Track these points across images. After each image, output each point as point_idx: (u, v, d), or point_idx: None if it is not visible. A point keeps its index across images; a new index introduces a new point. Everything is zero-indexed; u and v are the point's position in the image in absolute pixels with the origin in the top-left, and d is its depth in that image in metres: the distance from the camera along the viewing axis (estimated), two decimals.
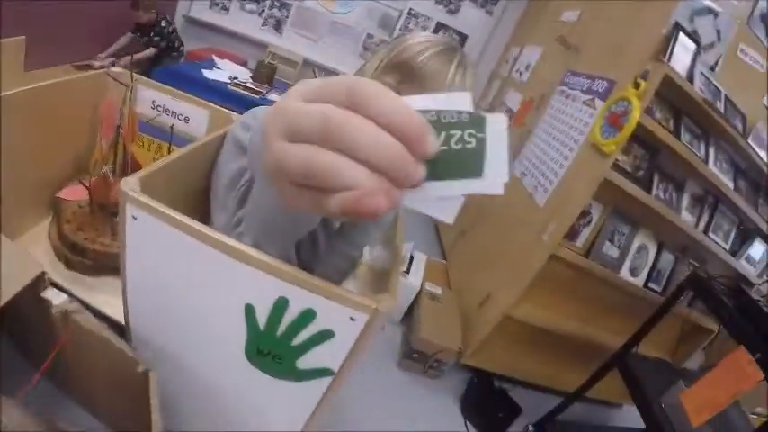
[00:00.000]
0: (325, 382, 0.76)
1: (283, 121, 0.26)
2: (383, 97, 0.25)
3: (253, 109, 0.93)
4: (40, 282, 1.03)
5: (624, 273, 2.06)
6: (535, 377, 2.31)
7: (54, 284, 1.04)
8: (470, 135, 0.28)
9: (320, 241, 1.10)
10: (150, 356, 0.90)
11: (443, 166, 0.28)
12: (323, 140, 0.25)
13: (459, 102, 0.28)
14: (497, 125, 0.28)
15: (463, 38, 4.24)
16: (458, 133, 0.28)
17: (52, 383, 1.09)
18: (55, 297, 1.01)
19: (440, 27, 4.23)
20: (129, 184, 0.76)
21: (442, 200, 0.30)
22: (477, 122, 0.28)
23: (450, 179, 0.29)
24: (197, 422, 0.99)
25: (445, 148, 0.28)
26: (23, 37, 1.63)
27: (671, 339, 2.14)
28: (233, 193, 0.96)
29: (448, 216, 0.31)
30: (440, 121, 0.28)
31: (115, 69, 1.37)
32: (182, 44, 3.66)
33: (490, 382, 2.20)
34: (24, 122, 1.18)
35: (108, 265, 1.20)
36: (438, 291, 2.46)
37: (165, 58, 3.59)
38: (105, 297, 1.07)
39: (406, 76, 0.77)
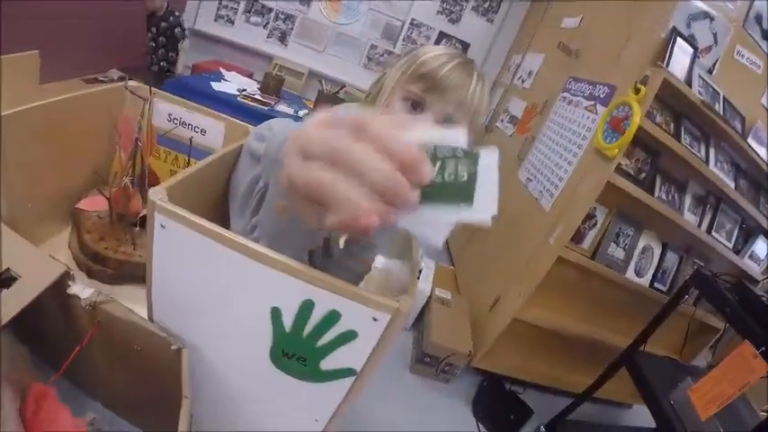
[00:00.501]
0: (347, 382, 0.79)
1: (299, 144, 0.31)
2: (385, 130, 0.29)
3: (267, 121, 0.96)
4: (64, 280, 1.06)
5: (630, 273, 2.09)
6: (545, 379, 2.34)
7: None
8: (463, 168, 0.31)
9: (334, 252, 1.13)
10: None
11: (437, 194, 0.31)
12: (330, 162, 0.29)
13: (455, 138, 0.32)
14: (489, 160, 0.32)
15: (465, 46, 4.28)
16: (451, 166, 0.31)
17: (71, 383, 1.12)
18: (82, 291, 1.04)
19: (442, 36, 4.27)
20: (158, 194, 0.79)
21: (434, 224, 0.33)
22: (470, 157, 0.32)
23: (443, 206, 0.32)
24: (219, 423, 1.02)
25: (439, 178, 0.31)
26: (37, 51, 1.67)
27: (678, 338, 2.16)
28: (249, 200, 1.00)
29: (437, 239, 0.35)
30: (435, 155, 0.31)
31: (132, 83, 1.42)
32: (184, 37, 3.69)
33: (501, 384, 2.22)
34: (44, 135, 1.22)
35: (129, 273, 1.23)
36: (447, 296, 2.49)
37: (167, 55, 3.62)
38: (127, 305, 1.10)
39: (430, 86, 0.81)
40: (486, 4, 4.21)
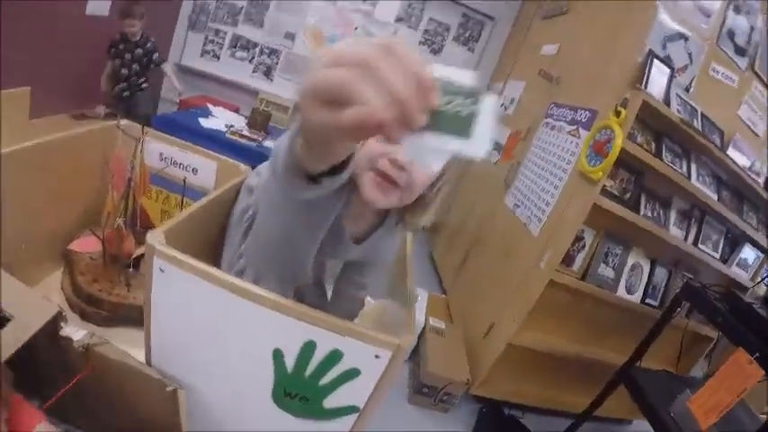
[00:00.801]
0: (350, 419, 0.79)
1: (329, 55, 0.33)
2: (409, 53, 0.32)
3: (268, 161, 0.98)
4: (57, 321, 1.05)
5: (621, 291, 2.12)
6: (544, 402, 2.33)
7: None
8: (467, 104, 0.35)
9: (325, 289, 1.14)
10: None
11: (440, 123, 0.35)
12: (358, 69, 0.32)
13: (465, 76, 0.35)
14: (489, 103, 0.35)
15: None
16: (457, 100, 0.35)
17: (60, 420, 1.09)
18: (74, 333, 1.02)
19: None
20: (156, 238, 0.80)
21: (434, 151, 0.37)
22: (473, 95, 0.35)
23: (444, 135, 0.35)
24: None
25: (444, 108, 0.35)
26: (28, 87, 1.68)
27: (673, 351, 2.18)
28: (238, 228, 1.01)
29: (435, 165, 0.43)
30: (445, 87, 0.35)
31: (124, 122, 1.42)
32: (162, 62, 3.59)
33: (500, 410, 2.21)
34: (37, 174, 1.22)
35: (124, 315, 1.22)
36: (441, 325, 2.48)
37: (136, 83, 3.49)
38: (123, 348, 1.09)
39: None
40: (467, 34, 4.31)
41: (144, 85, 3.51)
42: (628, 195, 2.02)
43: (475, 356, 2.29)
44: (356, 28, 4.19)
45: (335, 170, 0.54)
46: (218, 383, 0.88)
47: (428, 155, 0.38)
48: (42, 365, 1.13)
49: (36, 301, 1.05)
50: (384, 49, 0.32)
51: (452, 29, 4.31)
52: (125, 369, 0.99)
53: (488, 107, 0.35)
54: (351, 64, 0.32)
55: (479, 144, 0.35)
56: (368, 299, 1.23)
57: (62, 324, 1.03)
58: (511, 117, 3.16)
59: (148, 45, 3.43)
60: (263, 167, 0.99)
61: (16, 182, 1.14)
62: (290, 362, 0.74)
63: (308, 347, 0.71)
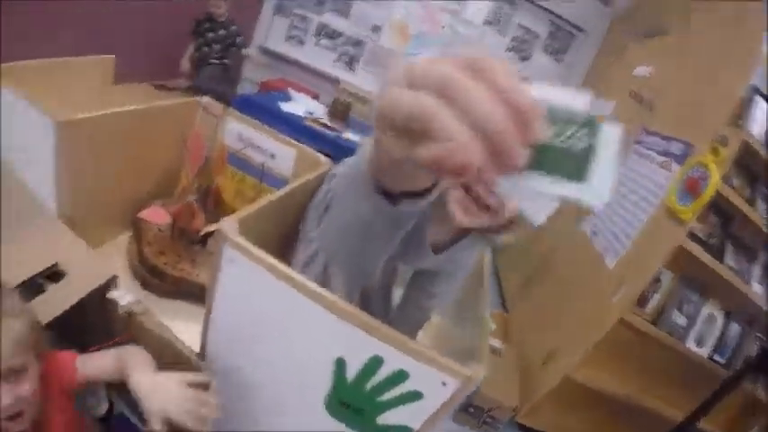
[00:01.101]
0: None
1: (408, 72, 0.27)
2: (503, 74, 0.25)
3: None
4: (110, 285, 1.07)
5: (690, 343, 1.97)
6: None
7: None
8: (581, 137, 0.27)
9: (392, 295, 1.09)
10: (220, 393, 0.91)
11: (546, 160, 0.27)
12: (439, 94, 0.25)
13: (578, 100, 0.28)
14: (611, 134, 0.27)
15: None
16: (569, 131, 0.27)
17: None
18: (121, 298, 1.04)
19: None
20: (230, 226, 0.78)
21: (536, 198, 0.29)
22: (590, 125, 0.27)
23: (551, 177, 0.27)
24: None
25: (553, 142, 0.27)
26: (113, 56, 1.74)
27: (730, 411, 2.02)
28: (316, 212, 0.99)
29: (538, 216, 0.30)
30: (552, 114, 0.27)
31: (206, 99, 1.44)
32: (245, 45, 3.63)
33: None
34: (115, 142, 1.25)
35: (185, 291, 1.23)
36: (498, 344, 2.40)
37: (217, 61, 3.55)
38: (178, 323, 1.10)
39: None
40: (556, 44, 4.16)
41: (225, 61, 3.56)
42: (713, 241, 1.87)
43: (527, 383, 2.20)
44: (443, 27, 4.12)
45: (416, 193, 0.47)
46: (273, 380, 0.85)
47: (529, 202, 0.30)
48: (86, 323, 1.16)
49: (93, 262, 1.08)
50: (471, 67, 0.26)
51: (541, 37, 4.18)
52: (162, 341, 1.00)
53: (610, 140, 0.27)
54: (430, 86, 0.26)
55: (598, 189, 0.27)
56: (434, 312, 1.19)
57: (112, 287, 1.06)
58: None
59: (233, 27, 3.46)
60: (348, 159, 0.96)
61: (95, 147, 1.18)
62: (351, 372, 0.71)
63: (375, 362, 0.67)
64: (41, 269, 1.00)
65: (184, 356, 0.94)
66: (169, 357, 0.92)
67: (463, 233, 0.88)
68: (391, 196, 0.48)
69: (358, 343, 0.67)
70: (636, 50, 3.07)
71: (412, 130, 0.26)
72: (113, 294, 1.05)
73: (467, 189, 0.67)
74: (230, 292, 0.81)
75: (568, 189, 0.27)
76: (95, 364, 0.84)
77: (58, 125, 1.07)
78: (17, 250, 1.03)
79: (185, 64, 3.47)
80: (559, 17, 4.06)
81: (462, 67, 0.26)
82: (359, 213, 0.89)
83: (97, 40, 2.27)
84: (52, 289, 0.99)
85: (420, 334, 1.28)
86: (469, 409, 2.07)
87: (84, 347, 1.13)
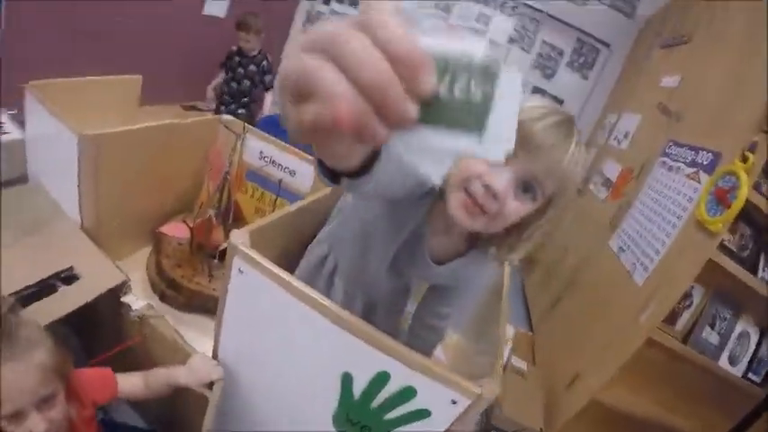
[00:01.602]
0: None
1: (303, 39, 0.26)
2: (386, 25, 0.24)
3: None
4: (122, 288, 1.09)
5: (723, 361, 1.88)
6: None
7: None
8: (477, 85, 0.25)
9: (402, 315, 1.08)
10: (229, 404, 0.91)
11: (440, 114, 0.25)
12: (323, 54, 0.24)
13: (472, 47, 0.25)
14: (511, 82, 0.25)
15: (559, 103, 4.18)
16: (463, 80, 0.25)
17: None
18: (134, 302, 1.07)
19: (536, 91, 4.18)
20: (239, 238, 0.79)
21: (433, 151, 0.26)
22: (487, 73, 0.25)
23: (447, 130, 0.25)
24: None
25: (445, 93, 0.25)
26: (140, 76, 1.80)
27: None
28: (331, 218, 1.09)
29: (434, 174, 0.27)
30: (445, 63, 0.25)
31: (226, 117, 1.47)
32: (266, 88, 3.37)
33: None
34: (139, 157, 1.29)
35: (201, 304, 1.25)
36: (523, 366, 2.34)
37: (242, 100, 3.32)
38: (193, 334, 1.11)
39: (520, 139, 0.71)
40: (581, 60, 4.11)
41: (247, 103, 3.33)
42: (746, 253, 1.79)
43: (552, 406, 2.13)
44: None
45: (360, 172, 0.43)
46: (281, 393, 0.85)
47: (425, 159, 0.27)
48: (99, 327, 1.18)
49: (107, 268, 1.11)
50: (360, 24, 0.24)
51: (566, 53, 4.13)
52: (172, 346, 1.01)
53: (510, 87, 0.25)
54: (317, 47, 0.24)
55: (497, 140, 0.25)
56: (449, 331, 1.17)
57: (125, 291, 1.08)
58: (624, 152, 2.95)
59: (264, 64, 3.24)
60: None
61: (117, 161, 1.21)
62: (358, 389, 0.69)
63: (381, 378, 0.65)
64: (56, 271, 1.04)
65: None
66: (180, 361, 0.93)
67: (467, 247, 0.88)
68: (335, 175, 0.45)
69: (364, 357, 0.65)
70: (661, 61, 3.01)
71: (301, 95, 0.25)
72: (127, 298, 1.08)
73: (469, 196, 0.67)
74: (240, 303, 0.81)
75: (466, 142, 0.26)
76: (131, 381, 0.90)
77: (81, 139, 1.10)
78: (36, 253, 1.08)
79: (210, 92, 3.35)
80: (584, 32, 4.01)
81: (351, 25, 0.24)
82: (360, 217, 0.91)
83: (129, 61, 2.33)
84: (64, 290, 1.02)
85: (438, 352, 1.26)
86: (491, 429, 2.02)
87: (95, 349, 1.15)
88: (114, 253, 1.20)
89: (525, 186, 0.67)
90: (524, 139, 0.65)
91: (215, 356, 0.93)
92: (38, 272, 1.02)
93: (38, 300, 0.95)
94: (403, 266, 0.91)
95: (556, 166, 0.66)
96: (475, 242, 0.87)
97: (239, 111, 3.23)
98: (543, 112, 0.67)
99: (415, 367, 0.63)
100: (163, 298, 1.29)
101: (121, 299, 1.07)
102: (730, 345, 1.88)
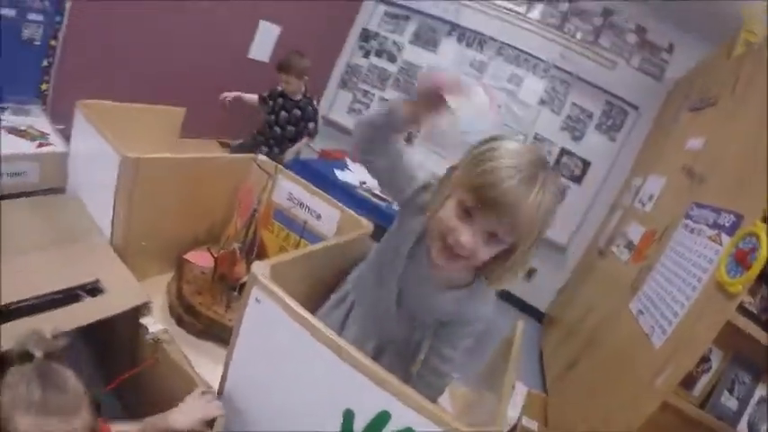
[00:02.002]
0: None
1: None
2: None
3: None
4: (142, 309, 1.13)
5: (742, 427, 1.80)
6: None
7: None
8: None
9: (417, 357, 1.10)
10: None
11: None
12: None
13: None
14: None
15: (586, 165, 4.17)
16: None
17: (119, 402, 1.15)
18: (152, 325, 1.11)
19: (563, 153, 4.19)
20: (261, 269, 0.83)
21: None
22: None
23: None
24: None
25: None
26: (184, 108, 1.89)
27: None
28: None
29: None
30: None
31: (261, 157, 1.54)
32: (310, 135, 3.26)
33: None
34: (173, 185, 1.36)
35: (216, 333, 1.28)
36: (534, 427, 2.29)
37: (280, 143, 3.21)
38: (205, 361, 1.14)
39: (483, 198, 0.80)
40: (610, 122, 4.12)
41: (287, 148, 3.20)
42: (767, 316, 1.75)
43: None
44: (499, 106, 4.18)
45: None
46: (284, 423, 0.86)
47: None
48: (115, 344, 1.21)
49: (132, 287, 1.16)
50: None
51: (595, 116, 4.15)
52: (181, 372, 1.04)
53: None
54: None
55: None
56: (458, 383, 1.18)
57: (144, 312, 1.12)
58: (648, 214, 2.93)
59: (309, 109, 3.13)
60: None
61: (153, 185, 1.29)
62: (359, 426, 0.71)
63: (382, 418, 0.67)
64: (83, 282, 1.08)
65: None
66: (186, 389, 0.95)
67: (467, 279, 0.97)
68: None
69: (367, 395, 0.67)
70: (688, 124, 3.02)
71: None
72: (145, 320, 1.12)
73: (445, 245, 0.86)
74: (254, 332, 0.85)
75: None
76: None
77: (123, 160, 1.18)
78: (66, 261, 1.13)
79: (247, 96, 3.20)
80: (613, 95, 4.04)
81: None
82: (379, 250, 1.03)
83: (174, 94, 2.47)
84: (88, 301, 1.06)
85: (446, 403, 1.26)
86: None
87: (105, 362, 1.17)
88: (139, 273, 1.26)
89: (491, 236, 0.82)
90: (487, 199, 0.79)
91: (223, 380, 0.95)
92: (65, 280, 1.07)
93: (61, 306, 0.99)
94: (412, 300, 1.00)
95: (517, 220, 0.79)
96: (472, 275, 0.98)
97: (276, 151, 3.17)
98: (510, 173, 0.78)
99: (416, 408, 0.64)
100: (180, 323, 1.33)
101: (140, 320, 1.11)
102: (749, 410, 1.82)
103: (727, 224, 1.90)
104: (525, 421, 2.26)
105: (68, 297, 1.06)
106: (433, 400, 1.04)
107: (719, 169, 2.26)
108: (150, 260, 1.45)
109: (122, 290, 1.15)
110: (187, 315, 1.34)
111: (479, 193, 0.79)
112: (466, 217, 0.82)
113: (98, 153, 1.27)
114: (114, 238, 1.31)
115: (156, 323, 1.14)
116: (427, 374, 1.04)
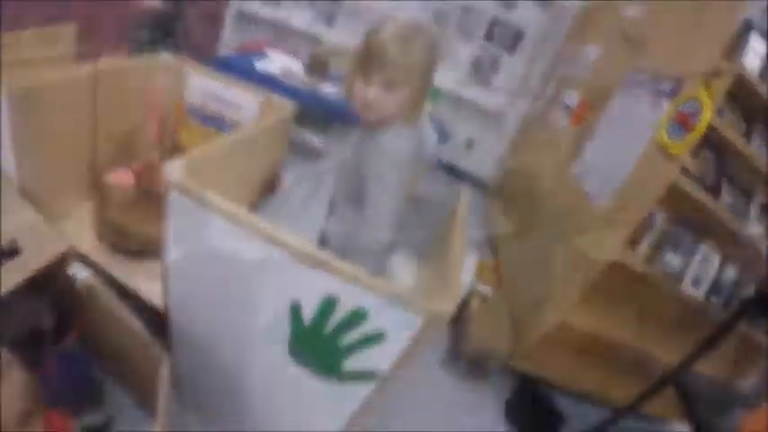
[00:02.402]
0: (371, 384, 0.71)
1: None
2: None
3: None
4: (66, 258, 1.03)
5: (685, 285, 1.93)
6: (584, 388, 2.21)
7: (93, 265, 1.04)
8: None
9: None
10: (186, 346, 0.88)
11: None
12: None
13: None
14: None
15: (519, 34, 4.08)
16: None
17: (85, 349, 1.09)
18: (79, 272, 1.02)
19: (494, 23, 4.06)
20: (174, 169, 0.73)
21: None
22: None
23: None
24: (232, 421, 0.95)
25: None
26: (74, 26, 1.67)
27: (727, 355, 2.00)
28: None
29: None
30: None
31: (164, 55, 1.37)
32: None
33: (537, 388, 2.11)
34: (73, 107, 1.20)
35: (153, 249, 1.19)
36: (487, 291, 2.39)
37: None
38: (146, 280, 1.07)
39: (370, 59, 1.01)
40: None
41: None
42: (709, 179, 1.81)
43: (520, 329, 2.19)
44: None
45: None
46: (234, 329, 0.81)
47: None
48: (42, 304, 1.12)
49: (49, 236, 1.04)
50: None
51: None
52: (117, 321, 0.97)
53: None
54: None
55: None
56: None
57: (69, 262, 1.02)
58: (585, 82, 2.93)
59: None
60: None
61: (47, 113, 1.13)
62: (308, 316, 0.66)
63: (329, 302, 0.62)
64: None
65: (137, 333, 0.91)
66: (124, 335, 0.89)
67: None
68: None
69: (310, 281, 0.62)
70: None
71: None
72: (72, 269, 1.02)
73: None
74: (181, 239, 0.77)
75: None
76: None
77: (9, 95, 1.01)
78: None
79: None
80: None
81: None
82: None
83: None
84: (8, 265, 0.95)
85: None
86: (459, 355, 2.06)
87: (38, 331, 1.08)
88: (58, 210, 1.14)
89: (387, 86, 1.02)
90: (374, 56, 1.01)
91: (164, 300, 0.88)
92: None
93: None
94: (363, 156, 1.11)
95: (397, 65, 1.00)
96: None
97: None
98: (387, 32, 1.01)
99: (362, 286, 0.59)
100: (114, 248, 1.24)
101: (66, 270, 1.01)
102: (692, 268, 1.94)
103: (667, 89, 1.90)
104: (479, 287, 2.38)
105: None
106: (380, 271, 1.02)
107: (658, 36, 2.22)
108: (69, 193, 1.32)
109: (40, 244, 1.03)
110: (119, 238, 1.24)
111: (366, 54, 1.02)
112: (365, 79, 1.04)
113: None
114: (22, 184, 1.16)
115: (83, 270, 1.04)
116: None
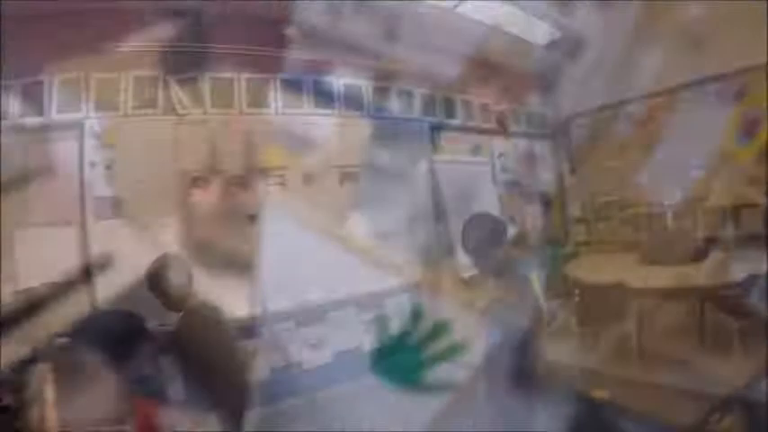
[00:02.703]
0: (446, 396, 0.73)
1: None
2: None
3: None
4: (162, 267, 1.06)
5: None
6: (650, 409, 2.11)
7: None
8: None
9: None
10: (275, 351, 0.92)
11: None
12: None
13: None
14: None
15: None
16: None
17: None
18: (175, 277, 1.04)
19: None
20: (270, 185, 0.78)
21: None
22: None
23: None
24: (312, 423, 0.99)
25: None
26: None
27: None
28: None
29: None
30: None
31: None
32: None
33: (603, 409, 2.05)
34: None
35: (235, 264, 1.25)
36: (557, 308, 2.32)
37: None
38: (228, 296, 1.11)
39: None
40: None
41: None
42: None
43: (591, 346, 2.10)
44: None
45: None
46: (318, 337, 0.85)
47: None
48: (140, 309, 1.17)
49: (143, 249, 1.10)
50: None
51: None
52: (214, 326, 1.01)
53: None
54: None
55: None
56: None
57: (165, 269, 1.07)
58: (647, 87, 2.83)
59: None
60: None
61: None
62: (394, 325, 0.69)
63: (417, 312, 0.65)
64: (93, 259, 1.04)
65: (231, 333, 0.96)
66: (218, 341, 0.94)
67: None
68: None
69: (399, 292, 0.65)
70: None
71: None
72: (170, 275, 1.08)
73: None
74: (274, 251, 0.82)
75: None
76: None
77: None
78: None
79: None
80: None
81: None
82: None
83: None
84: (105, 276, 1.02)
85: None
86: (529, 372, 2.01)
87: (138, 331, 1.15)
88: (148, 219, 1.22)
89: None
90: None
91: (255, 306, 0.93)
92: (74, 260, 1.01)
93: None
94: None
95: None
96: None
97: None
98: None
99: (447, 299, 0.62)
100: (197, 261, 1.29)
101: (165, 274, 1.08)
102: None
103: (731, 92, 1.83)
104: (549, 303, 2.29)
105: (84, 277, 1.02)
106: None
107: (721, 38, 2.15)
108: (155, 204, 1.40)
109: (134, 255, 1.10)
110: (202, 253, 1.31)
111: None
112: None
113: None
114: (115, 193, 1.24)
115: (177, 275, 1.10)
116: None
